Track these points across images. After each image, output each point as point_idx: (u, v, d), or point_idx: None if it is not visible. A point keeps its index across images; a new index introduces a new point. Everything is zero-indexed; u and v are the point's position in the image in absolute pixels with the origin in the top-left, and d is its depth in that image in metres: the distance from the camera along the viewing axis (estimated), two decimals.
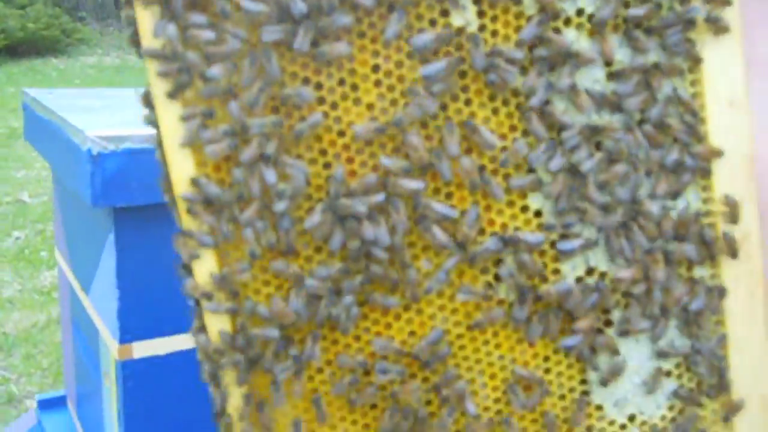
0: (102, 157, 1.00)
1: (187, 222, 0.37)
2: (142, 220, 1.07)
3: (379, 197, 0.35)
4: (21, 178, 4.88)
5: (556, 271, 0.38)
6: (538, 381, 0.39)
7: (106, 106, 1.33)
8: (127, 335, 1.11)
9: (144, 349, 1.13)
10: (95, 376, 1.30)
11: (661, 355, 0.40)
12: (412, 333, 0.38)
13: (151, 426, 1.16)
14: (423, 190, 0.35)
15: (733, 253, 0.39)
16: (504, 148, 0.37)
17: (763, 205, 0.41)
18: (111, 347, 1.14)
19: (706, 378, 0.41)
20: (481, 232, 0.37)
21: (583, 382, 0.40)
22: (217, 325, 0.37)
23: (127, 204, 1.03)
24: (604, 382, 0.39)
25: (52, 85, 9.25)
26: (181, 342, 1.16)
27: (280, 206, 0.35)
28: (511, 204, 0.38)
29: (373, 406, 0.39)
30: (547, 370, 0.39)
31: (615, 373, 0.39)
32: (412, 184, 0.35)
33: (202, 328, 0.38)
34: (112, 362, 1.15)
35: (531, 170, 0.37)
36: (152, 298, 1.12)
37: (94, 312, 1.25)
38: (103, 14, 14.57)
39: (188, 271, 0.38)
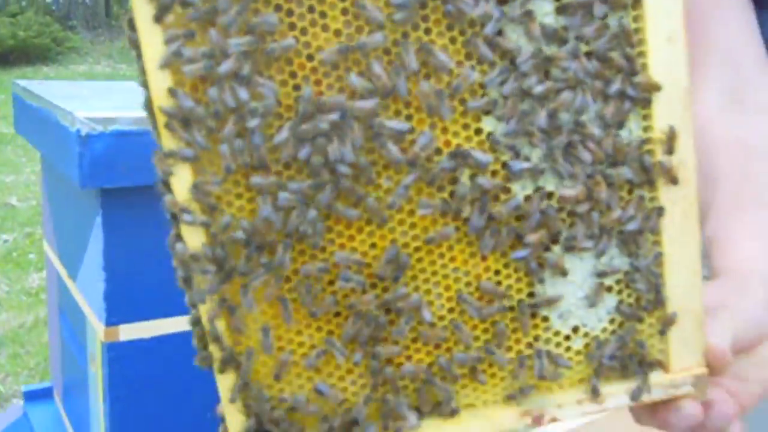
0: (90, 138, 1.01)
1: (165, 139, 0.38)
2: (129, 202, 1.09)
3: (335, 116, 0.37)
4: (10, 183, 4.87)
5: (507, 191, 0.41)
6: (501, 295, 0.42)
7: (95, 94, 1.35)
8: (113, 318, 1.12)
9: (130, 331, 1.14)
10: (82, 362, 1.30)
11: (602, 273, 0.43)
12: (373, 245, 0.40)
13: (136, 410, 1.17)
14: (376, 108, 0.38)
15: (673, 179, 0.42)
16: (458, 75, 0.39)
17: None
18: (97, 330, 1.15)
19: (644, 294, 0.43)
20: (438, 152, 0.40)
21: (531, 295, 0.43)
22: (193, 236, 0.39)
23: (115, 185, 1.05)
24: (550, 300, 0.43)
25: None
26: (168, 325, 1.17)
27: (252, 123, 0.37)
28: (466, 127, 0.40)
29: (337, 314, 0.42)
30: (498, 283, 0.42)
31: (558, 292, 0.43)
32: (367, 103, 0.38)
33: (179, 237, 0.40)
34: (98, 345, 1.16)
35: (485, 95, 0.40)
36: (139, 281, 1.13)
37: (81, 297, 1.26)
38: (94, 23, 14.57)
39: (167, 188, 0.40)
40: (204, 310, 0.40)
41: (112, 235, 1.09)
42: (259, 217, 0.38)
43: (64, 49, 12.47)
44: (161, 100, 0.37)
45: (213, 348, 0.41)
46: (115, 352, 1.13)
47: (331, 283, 0.41)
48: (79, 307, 1.27)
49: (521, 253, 0.41)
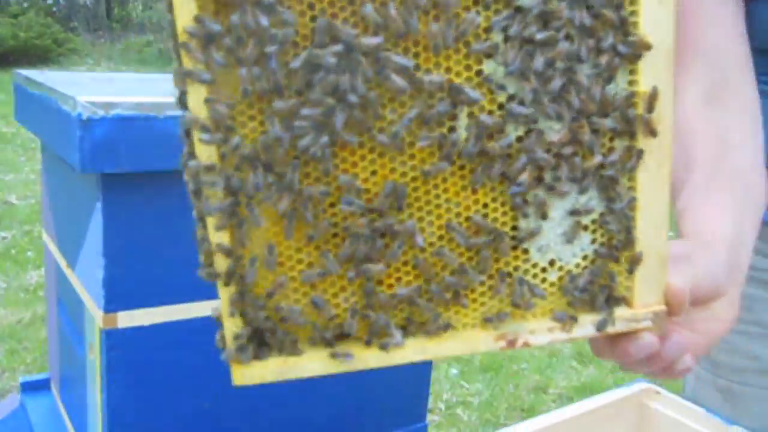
0: (92, 122, 1.01)
1: (186, 60, 0.40)
2: (129, 187, 1.08)
3: (339, 47, 0.40)
4: (9, 181, 4.87)
5: (501, 130, 0.44)
6: (488, 227, 0.45)
7: (97, 82, 1.34)
8: (111, 304, 1.12)
9: (129, 319, 1.13)
10: (80, 352, 1.30)
11: (579, 213, 0.47)
12: (373, 173, 0.43)
13: (134, 397, 1.16)
14: (380, 45, 0.40)
15: (652, 132, 0.46)
16: (464, 20, 0.42)
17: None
18: (96, 317, 1.15)
19: (615, 234, 0.48)
20: (441, 89, 0.43)
21: (514, 228, 0.47)
22: (205, 153, 0.42)
23: (116, 170, 1.04)
24: (531, 234, 0.46)
25: None
26: (167, 313, 1.17)
27: (270, 48, 0.39)
28: (468, 68, 0.43)
29: (335, 235, 0.44)
30: (485, 215, 0.46)
31: (539, 226, 0.47)
32: (372, 40, 0.40)
33: (192, 155, 0.42)
34: (96, 332, 1.15)
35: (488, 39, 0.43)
36: (138, 268, 1.13)
37: (80, 285, 1.25)
38: (95, 25, 14.58)
39: (184, 105, 0.42)
40: (211, 223, 0.42)
41: (112, 220, 1.09)
42: (269, 137, 0.40)
43: (65, 50, 12.48)
44: (186, 23, 0.39)
45: (218, 260, 0.43)
46: (114, 339, 1.13)
47: (332, 205, 0.43)
48: (78, 296, 1.27)
49: (516, 188, 0.45)
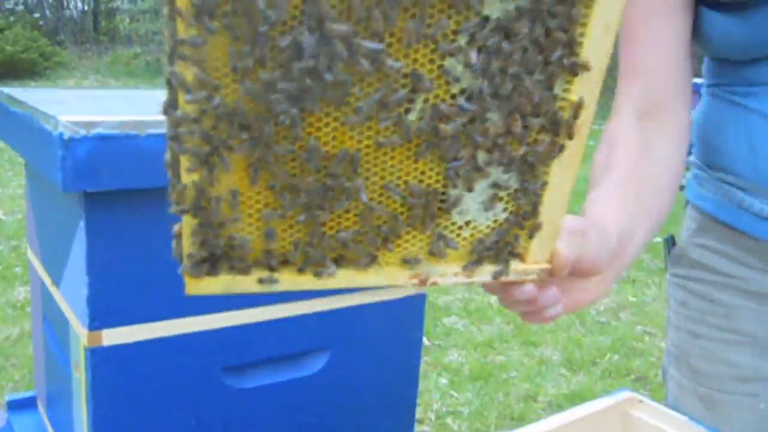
0: (73, 141, 1.01)
1: (180, 29, 0.44)
2: (112, 205, 1.08)
3: (311, 34, 0.45)
4: None
5: (450, 117, 0.52)
6: (423, 193, 0.54)
7: (80, 100, 1.35)
8: (96, 322, 1.12)
9: (114, 336, 1.14)
10: (66, 370, 1.29)
11: (498, 187, 0.56)
12: (334, 137, 0.50)
13: (120, 415, 1.16)
14: (350, 31, 0.45)
15: (570, 135, 0.55)
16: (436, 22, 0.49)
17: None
18: (81, 335, 1.15)
19: (523, 207, 0.57)
20: (404, 76, 0.50)
21: (443, 194, 0.55)
22: (189, 108, 0.46)
23: (98, 189, 1.05)
24: (456, 200, 0.55)
25: None
26: (152, 330, 1.17)
27: (263, 28, 0.44)
28: (432, 61, 0.49)
29: (293, 185, 0.51)
30: (421, 181, 0.54)
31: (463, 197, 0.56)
32: (341, 27, 0.45)
33: (173, 104, 0.46)
34: (81, 350, 1.15)
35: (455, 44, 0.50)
36: (122, 285, 1.13)
37: (65, 303, 1.25)
38: (82, 38, 14.55)
39: (172, 63, 0.45)
40: (185, 164, 0.47)
41: (96, 239, 1.09)
42: (244, 97, 0.46)
43: (52, 63, 12.45)
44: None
45: (188, 193, 0.49)
46: (99, 356, 1.13)
47: (293, 160, 0.50)
48: (63, 314, 1.27)
49: (455, 164, 0.53)
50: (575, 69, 0.53)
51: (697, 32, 0.88)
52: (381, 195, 0.53)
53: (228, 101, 0.46)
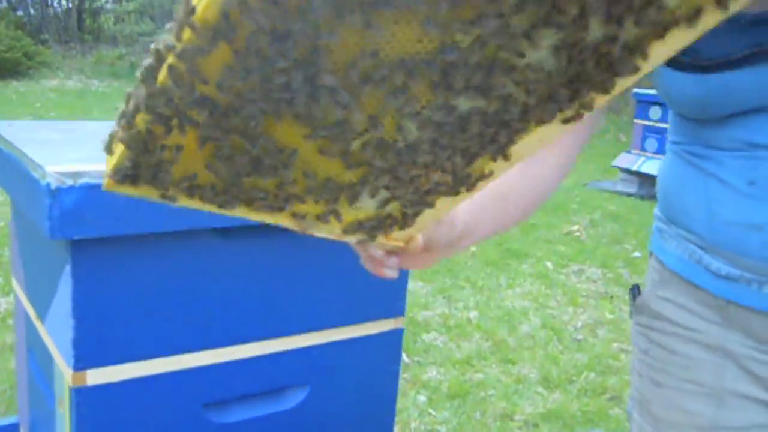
0: (60, 191, 1.04)
1: (186, 35, 0.44)
2: (98, 252, 1.12)
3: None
4: None
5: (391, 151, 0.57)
6: (341, 188, 0.60)
7: (66, 140, 1.37)
8: (81, 363, 1.15)
9: (98, 376, 1.17)
10: (50, 402, 1.32)
11: (392, 199, 0.63)
12: (283, 135, 0.53)
13: None
14: (336, 84, 0.49)
15: (470, 190, 0.63)
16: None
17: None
18: (65, 374, 1.17)
19: (407, 213, 0.66)
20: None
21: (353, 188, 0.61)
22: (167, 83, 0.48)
23: (84, 236, 1.08)
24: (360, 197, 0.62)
25: (12, 107, 9.14)
26: (135, 369, 1.20)
27: (268, 69, 0.46)
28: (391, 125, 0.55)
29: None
30: (341, 179, 0.60)
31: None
32: (330, 78, 0.48)
33: (154, 71, 0.47)
34: (66, 389, 1.18)
35: None
36: (107, 327, 1.16)
37: (50, 340, 1.28)
38: (66, 37, 14.45)
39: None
40: (145, 116, 0.49)
41: (81, 283, 1.12)
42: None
43: (35, 63, 12.36)
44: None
45: (138, 136, 0.51)
46: (83, 396, 1.16)
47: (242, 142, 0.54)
48: (48, 350, 1.29)
49: (375, 180, 0.60)
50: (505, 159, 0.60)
51: (657, 85, 0.93)
52: (304, 176, 0.58)
53: (208, 94, 0.48)
